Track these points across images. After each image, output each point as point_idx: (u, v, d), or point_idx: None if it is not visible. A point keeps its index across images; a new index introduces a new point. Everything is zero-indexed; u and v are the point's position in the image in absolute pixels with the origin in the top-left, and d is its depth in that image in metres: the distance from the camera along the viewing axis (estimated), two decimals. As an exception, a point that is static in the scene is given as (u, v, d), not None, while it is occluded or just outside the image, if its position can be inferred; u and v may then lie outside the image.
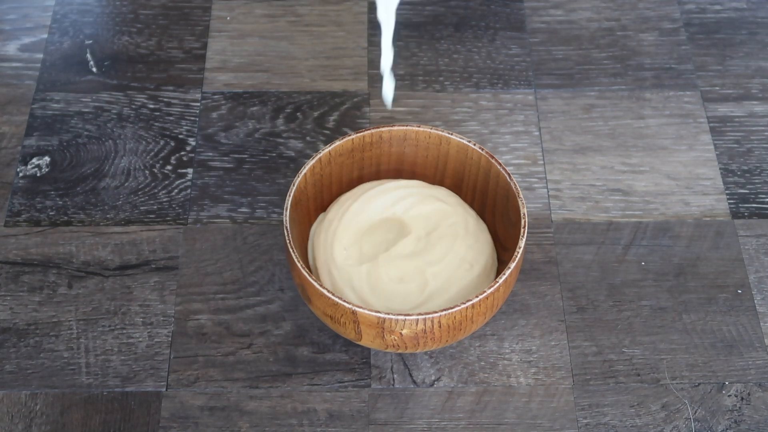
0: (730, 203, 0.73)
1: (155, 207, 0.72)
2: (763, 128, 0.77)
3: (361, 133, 0.66)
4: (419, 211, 0.66)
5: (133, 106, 0.77)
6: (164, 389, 0.64)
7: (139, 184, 0.73)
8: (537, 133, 0.76)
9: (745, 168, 0.75)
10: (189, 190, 0.73)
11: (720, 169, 0.75)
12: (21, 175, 0.73)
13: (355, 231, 0.65)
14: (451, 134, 0.66)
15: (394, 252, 0.64)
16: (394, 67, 0.63)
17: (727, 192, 0.73)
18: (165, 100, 0.78)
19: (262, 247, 0.70)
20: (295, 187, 0.63)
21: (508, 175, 0.64)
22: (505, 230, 0.66)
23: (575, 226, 0.72)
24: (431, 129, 0.66)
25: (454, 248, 0.65)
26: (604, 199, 0.73)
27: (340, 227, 0.65)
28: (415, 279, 0.63)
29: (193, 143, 0.75)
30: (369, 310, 0.58)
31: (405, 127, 0.66)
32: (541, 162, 0.75)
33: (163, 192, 0.73)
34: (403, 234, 0.66)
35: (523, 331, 0.67)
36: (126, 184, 0.73)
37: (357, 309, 0.58)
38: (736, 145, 0.76)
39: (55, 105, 0.77)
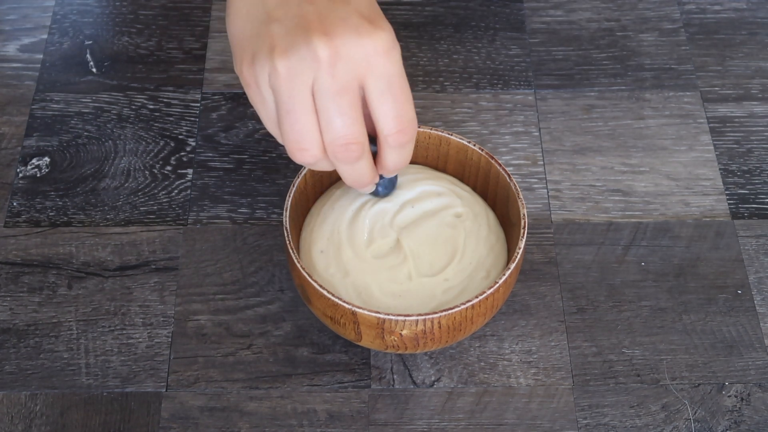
0: (730, 203, 0.73)
1: (155, 207, 0.72)
2: (763, 128, 0.77)
3: (361, 134, 0.66)
4: (427, 190, 0.64)
5: (133, 107, 0.77)
6: (164, 390, 0.64)
7: (139, 185, 0.73)
8: (537, 134, 0.76)
9: (745, 168, 0.75)
10: (189, 191, 0.73)
11: (720, 169, 0.74)
12: (21, 175, 0.73)
13: (335, 227, 0.63)
14: (451, 135, 0.66)
15: (394, 264, 0.62)
16: None
17: (727, 192, 0.73)
18: (165, 100, 0.78)
19: (262, 247, 0.70)
20: (295, 188, 0.63)
21: (508, 175, 0.64)
22: (505, 231, 0.65)
23: (575, 226, 0.72)
24: (431, 129, 0.66)
25: (478, 251, 0.62)
26: (604, 200, 0.73)
27: (317, 224, 0.63)
28: (419, 294, 0.62)
29: (193, 144, 0.75)
30: (369, 310, 0.58)
31: (405, 128, 0.66)
32: (541, 162, 0.75)
33: (163, 192, 0.73)
34: (407, 222, 0.63)
35: (523, 332, 0.67)
36: (126, 184, 0.73)
37: (357, 310, 0.58)
38: (736, 146, 0.76)
39: (55, 105, 0.77)
